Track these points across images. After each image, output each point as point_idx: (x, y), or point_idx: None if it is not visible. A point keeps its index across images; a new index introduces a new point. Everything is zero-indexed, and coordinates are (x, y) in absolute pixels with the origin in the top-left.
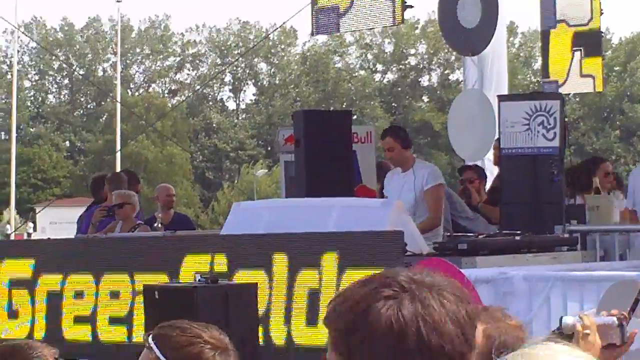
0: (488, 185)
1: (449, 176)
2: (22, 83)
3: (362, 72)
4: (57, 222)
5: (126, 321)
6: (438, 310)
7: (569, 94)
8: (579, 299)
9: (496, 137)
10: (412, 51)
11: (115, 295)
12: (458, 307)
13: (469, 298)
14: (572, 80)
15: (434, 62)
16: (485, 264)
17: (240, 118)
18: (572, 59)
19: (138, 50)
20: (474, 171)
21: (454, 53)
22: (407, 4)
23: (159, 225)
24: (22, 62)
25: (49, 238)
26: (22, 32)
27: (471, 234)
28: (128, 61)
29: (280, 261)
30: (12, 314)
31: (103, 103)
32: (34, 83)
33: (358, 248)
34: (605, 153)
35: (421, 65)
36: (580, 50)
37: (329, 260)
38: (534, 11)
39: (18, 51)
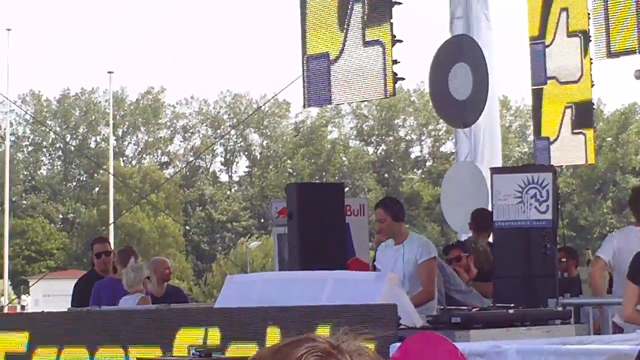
0: None
1: (441, 248)
2: (16, 155)
3: (356, 143)
4: (51, 294)
5: None
6: None
7: (562, 166)
8: None
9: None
10: (402, 122)
11: None
12: None
13: None
14: (564, 138)
15: (424, 134)
16: (478, 337)
17: (233, 190)
18: (562, 116)
19: (132, 121)
20: (459, 248)
21: (445, 124)
22: (398, 76)
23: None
24: (15, 134)
25: (43, 311)
26: (16, 105)
27: (464, 307)
28: (122, 132)
29: (273, 335)
30: None
31: (96, 175)
32: (26, 155)
33: (352, 322)
34: (599, 225)
35: (410, 137)
36: (572, 107)
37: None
38: (526, 84)
39: (12, 123)
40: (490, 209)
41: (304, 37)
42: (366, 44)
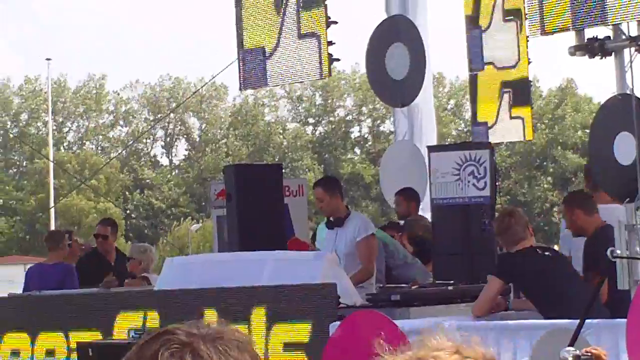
0: None
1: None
2: None
3: (293, 125)
4: None
5: None
6: None
7: (500, 143)
8: (512, 348)
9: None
10: (341, 103)
11: (50, 353)
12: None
13: (252, 347)
14: (502, 123)
15: (363, 114)
16: (418, 314)
17: (173, 174)
18: (500, 101)
19: (73, 108)
20: (393, 229)
21: (383, 104)
22: (333, 57)
23: None
24: None
25: None
26: None
27: (404, 285)
28: (62, 119)
29: (210, 316)
30: None
31: (36, 161)
32: None
33: (290, 301)
34: (539, 201)
35: (350, 117)
36: (509, 92)
37: (259, 315)
38: (460, 61)
39: None
40: (428, 187)
41: (239, 29)
42: (301, 36)
